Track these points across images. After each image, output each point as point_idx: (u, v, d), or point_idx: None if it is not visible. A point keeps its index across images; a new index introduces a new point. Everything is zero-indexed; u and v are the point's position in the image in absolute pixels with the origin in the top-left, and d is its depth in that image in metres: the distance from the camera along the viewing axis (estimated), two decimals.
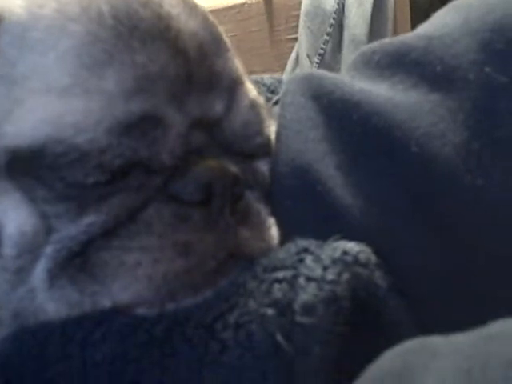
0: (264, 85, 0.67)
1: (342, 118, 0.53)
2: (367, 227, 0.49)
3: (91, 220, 0.44)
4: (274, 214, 0.52)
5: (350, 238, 0.48)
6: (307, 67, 2.42)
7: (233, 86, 0.51)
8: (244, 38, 2.31)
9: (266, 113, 0.54)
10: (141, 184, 0.46)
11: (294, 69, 2.46)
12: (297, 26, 2.44)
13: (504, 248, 0.49)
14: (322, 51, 2.43)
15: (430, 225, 0.48)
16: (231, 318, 0.43)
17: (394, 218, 0.49)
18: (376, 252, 0.48)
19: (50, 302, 0.45)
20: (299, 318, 0.43)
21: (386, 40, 0.56)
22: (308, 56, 2.42)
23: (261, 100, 0.54)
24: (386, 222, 0.49)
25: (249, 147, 0.52)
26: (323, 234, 0.49)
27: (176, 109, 0.46)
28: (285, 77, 0.69)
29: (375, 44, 0.57)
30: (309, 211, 0.51)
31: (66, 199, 0.44)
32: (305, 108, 0.56)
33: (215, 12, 2.25)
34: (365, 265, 0.46)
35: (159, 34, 0.46)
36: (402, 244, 0.48)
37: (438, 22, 0.55)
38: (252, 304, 0.44)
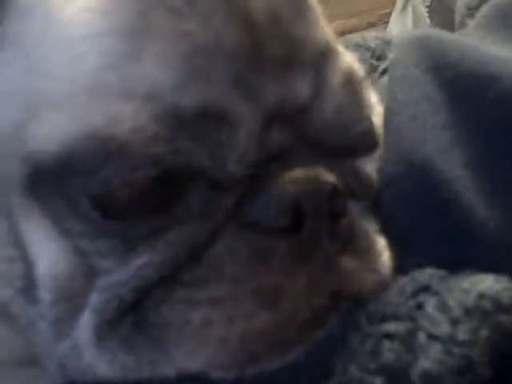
0: (368, 48, 0.53)
1: (473, 97, 0.39)
2: (508, 249, 0.36)
3: (143, 261, 0.34)
4: (384, 230, 0.40)
5: (485, 266, 0.35)
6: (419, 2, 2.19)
7: (320, 58, 0.38)
8: None
9: (365, 86, 0.41)
10: (205, 209, 0.34)
11: (404, 5, 2.25)
12: None
13: None
14: None
15: None
16: None
17: None
18: None
19: (100, 364, 0.35)
20: None
21: None
22: None
23: (356, 67, 0.40)
24: None
25: (346, 140, 0.39)
26: (449, 258, 0.36)
27: (245, 98, 0.34)
28: (394, 35, 0.55)
29: None
30: (429, 226, 0.39)
31: (106, 233, 0.34)
32: (421, 84, 0.42)
33: None
34: (509, 309, 0.34)
35: None
36: None
37: None
38: (353, 370, 0.32)
